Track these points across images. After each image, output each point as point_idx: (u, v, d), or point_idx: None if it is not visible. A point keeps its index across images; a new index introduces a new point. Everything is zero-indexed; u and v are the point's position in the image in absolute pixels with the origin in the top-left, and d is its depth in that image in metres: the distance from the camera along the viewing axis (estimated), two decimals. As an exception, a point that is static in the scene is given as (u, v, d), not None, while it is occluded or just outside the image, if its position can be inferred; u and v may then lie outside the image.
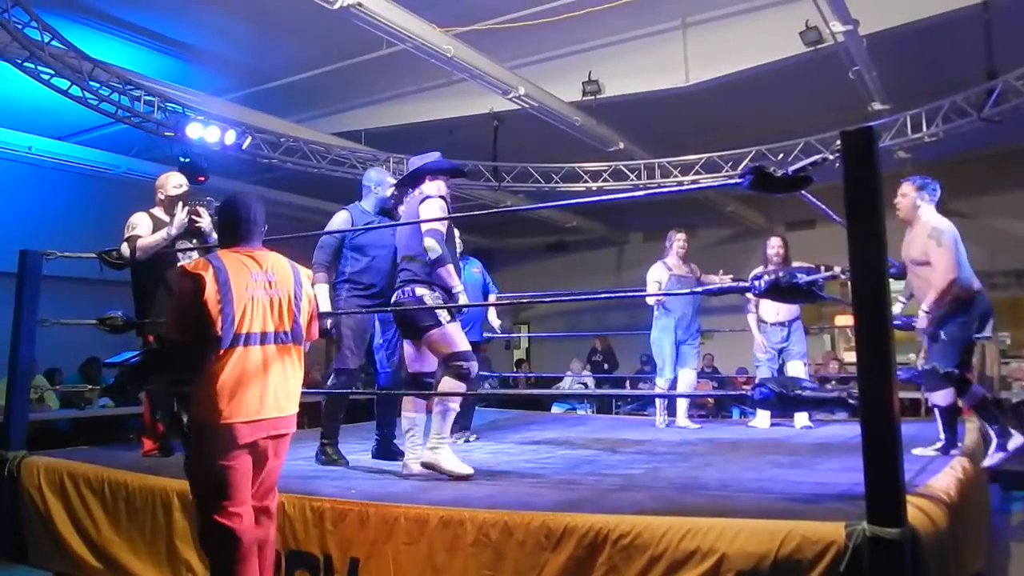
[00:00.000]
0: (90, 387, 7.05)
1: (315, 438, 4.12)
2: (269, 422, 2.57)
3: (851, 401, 2.40)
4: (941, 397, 4.01)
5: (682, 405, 5.89)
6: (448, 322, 3.54)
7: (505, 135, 9.06)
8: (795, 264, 5.37)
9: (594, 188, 9.87)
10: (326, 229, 4.22)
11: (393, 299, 3.72)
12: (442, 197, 3.67)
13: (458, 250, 5.15)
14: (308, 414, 6.60)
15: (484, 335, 5.88)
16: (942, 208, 4.12)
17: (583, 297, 11.39)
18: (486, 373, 8.60)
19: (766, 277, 2.71)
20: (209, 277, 2.49)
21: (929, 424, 4.51)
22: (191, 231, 4.32)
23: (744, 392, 3.23)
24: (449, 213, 3.73)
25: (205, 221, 4.31)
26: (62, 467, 3.83)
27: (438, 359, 3.61)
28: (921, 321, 3.91)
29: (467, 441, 5.02)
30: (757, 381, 2.77)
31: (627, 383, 11.17)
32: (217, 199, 3.47)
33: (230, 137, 8.17)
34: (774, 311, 5.64)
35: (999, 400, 6.50)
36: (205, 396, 2.49)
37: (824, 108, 8.67)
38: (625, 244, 14.47)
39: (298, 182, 10.13)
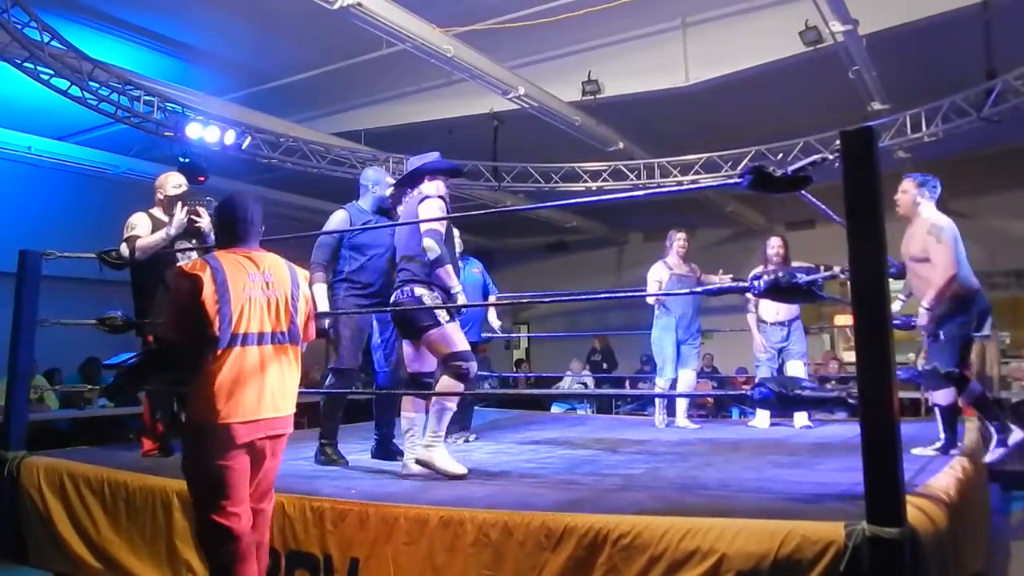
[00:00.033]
0: (90, 387, 7.05)
1: (315, 438, 4.12)
2: (267, 422, 2.57)
3: (851, 401, 2.40)
4: (942, 396, 4.01)
5: (681, 405, 5.89)
6: (447, 322, 3.55)
7: (505, 135, 9.06)
8: (795, 264, 5.37)
9: (594, 188, 9.86)
10: (324, 228, 4.22)
11: (392, 299, 3.72)
12: (441, 197, 3.67)
13: (458, 250, 5.17)
14: (308, 414, 6.61)
15: (483, 335, 5.88)
16: (942, 207, 4.13)
17: (583, 297, 11.39)
18: (486, 373, 8.60)
19: (766, 277, 2.72)
20: (207, 278, 2.49)
21: (929, 424, 4.51)
22: (190, 231, 4.32)
23: (744, 392, 3.23)
24: (448, 213, 3.73)
25: (204, 221, 4.31)
26: (62, 467, 3.83)
27: (437, 359, 3.61)
28: (922, 318, 3.91)
29: (467, 441, 5.02)
30: (757, 381, 2.77)
31: (627, 383, 11.17)
32: (216, 199, 3.47)
33: (230, 137, 8.17)
34: (774, 311, 5.64)
35: (999, 400, 6.50)
36: (203, 396, 2.49)
37: (824, 108, 8.67)
38: (625, 244, 14.47)
39: (298, 182, 10.13)
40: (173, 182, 4.43)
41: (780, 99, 8.69)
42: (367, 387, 4.59)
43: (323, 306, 3.96)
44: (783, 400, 2.61)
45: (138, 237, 4.20)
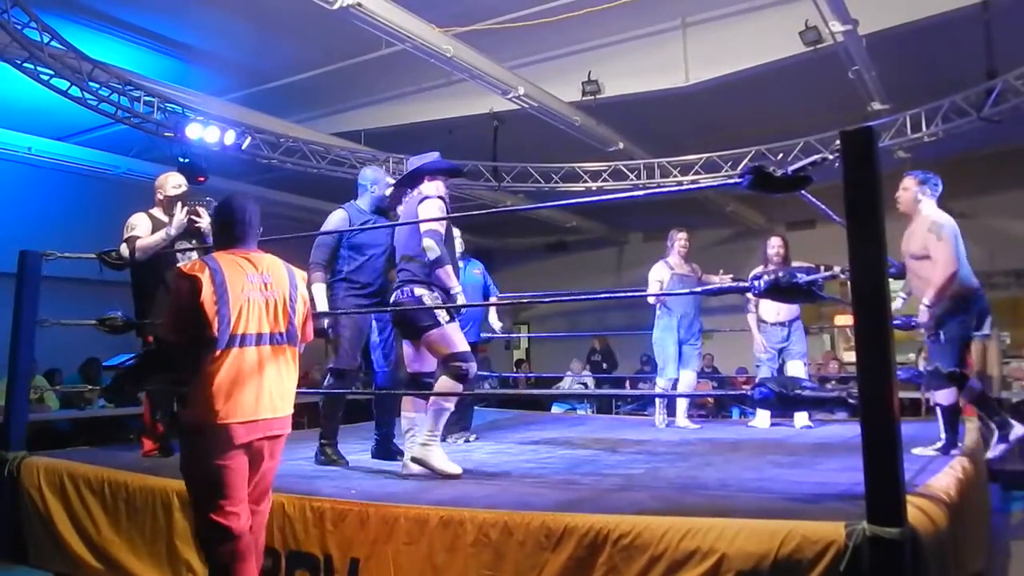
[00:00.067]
0: (90, 387, 7.04)
1: (315, 438, 4.12)
2: (265, 423, 2.57)
3: (851, 401, 2.40)
4: (944, 396, 4.02)
5: (682, 405, 5.89)
6: (447, 323, 3.55)
7: (505, 135, 9.06)
8: (795, 264, 5.37)
9: (594, 188, 9.87)
10: (323, 228, 4.21)
11: (392, 299, 3.72)
12: (441, 197, 3.67)
13: (460, 251, 5.17)
14: (308, 414, 6.60)
15: (483, 335, 5.88)
16: (942, 207, 4.13)
17: (583, 297, 11.38)
18: (486, 373, 8.60)
19: (766, 277, 2.71)
20: (205, 279, 2.50)
21: (929, 424, 4.51)
22: (191, 231, 4.32)
23: (744, 392, 3.23)
24: (448, 213, 3.73)
25: (204, 221, 4.30)
26: (62, 467, 3.83)
27: (437, 359, 3.61)
28: (922, 315, 3.90)
29: (467, 441, 5.02)
30: (757, 381, 2.77)
31: (627, 383, 11.17)
32: (216, 199, 3.47)
33: (230, 137, 8.17)
34: (774, 311, 5.64)
35: (999, 399, 6.50)
36: (201, 397, 2.49)
37: (824, 108, 8.67)
38: (625, 244, 14.48)
39: (298, 182, 10.13)
40: (173, 182, 4.43)
41: (780, 99, 8.69)
42: (367, 387, 4.59)
43: (322, 306, 3.96)
44: (783, 400, 2.61)
45: (138, 238, 4.20)
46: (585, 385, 10.72)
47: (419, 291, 3.59)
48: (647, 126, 9.60)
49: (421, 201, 3.66)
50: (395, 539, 2.75)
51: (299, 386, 2.78)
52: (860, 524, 2.10)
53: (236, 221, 2.70)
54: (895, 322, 3.21)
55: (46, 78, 6.66)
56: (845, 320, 10.25)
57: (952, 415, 4.00)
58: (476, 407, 6.21)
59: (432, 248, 3.53)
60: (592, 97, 8.24)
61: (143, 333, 4.33)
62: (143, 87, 7.46)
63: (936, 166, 4.19)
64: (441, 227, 3.63)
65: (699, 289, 4.89)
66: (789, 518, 2.28)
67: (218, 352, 2.49)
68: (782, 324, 5.66)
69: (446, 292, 3.60)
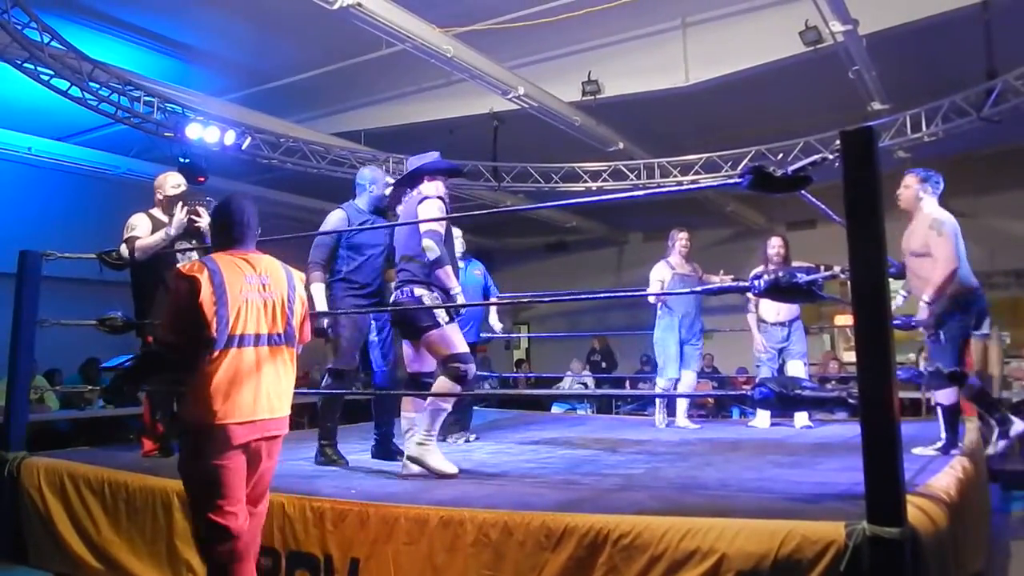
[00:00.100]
0: (90, 388, 7.06)
1: (315, 438, 4.11)
2: (263, 423, 2.58)
3: (851, 401, 2.40)
4: (945, 396, 4.02)
5: (682, 405, 5.89)
6: (447, 323, 3.55)
7: (505, 135, 9.06)
8: (795, 264, 5.37)
9: (594, 188, 9.87)
10: (322, 228, 4.21)
11: (392, 299, 3.72)
12: (440, 198, 3.68)
13: (461, 251, 5.17)
14: (308, 414, 6.60)
15: (482, 335, 5.88)
16: (942, 206, 4.12)
17: (583, 297, 11.39)
18: (486, 373, 8.60)
19: (766, 277, 2.71)
20: (204, 279, 2.50)
21: (929, 424, 4.51)
22: (191, 231, 4.32)
23: (744, 392, 3.24)
24: (447, 213, 3.73)
25: (204, 221, 4.30)
26: (62, 468, 3.83)
27: (436, 360, 3.61)
28: (921, 312, 3.90)
29: (467, 441, 5.01)
30: (757, 381, 2.77)
31: (627, 383, 11.17)
32: (216, 199, 3.47)
33: (230, 137, 8.17)
34: (774, 311, 5.64)
35: (999, 399, 6.50)
36: (200, 397, 2.50)
37: (824, 108, 8.67)
38: (625, 244, 14.48)
39: (298, 182, 10.13)
40: (172, 182, 4.43)
41: (780, 99, 8.69)
42: (367, 387, 4.59)
43: (321, 306, 3.96)
44: (783, 400, 2.61)
45: (138, 238, 4.20)
46: (585, 385, 10.71)
47: (419, 291, 3.59)
48: (647, 126, 9.60)
49: (421, 201, 3.66)
50: (395, 539, 2.75)
51: (299, 386, 2.78)
52: (860, 524, 2.10)
53: (234, 222, 2.71)
54: (895, 322, 3.21)
55: (46, 78, 6.66)
56: (845, 320, 10.25)
57: (953, 415, 4.00)
58: (476, 407, 6.21)
59: (432, 248, 3.53)
60: (592, 97, 8.23)
61: (143, 333, 4.33)
62: (143, 87, 7.46)
63: (936, 166, 4.18)
64: (441, 227, 3.64)
65: (699, 289, 4.89)
66: (789, 518, 2.28)
67: (216, 353, 2.49)
68: (782, 324, 5.66)
69: (446, 292, 3.60)
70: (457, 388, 3.52)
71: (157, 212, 4.36)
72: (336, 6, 5.85)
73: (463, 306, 3.85)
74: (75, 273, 5.38)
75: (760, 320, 5.73)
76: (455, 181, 4.31)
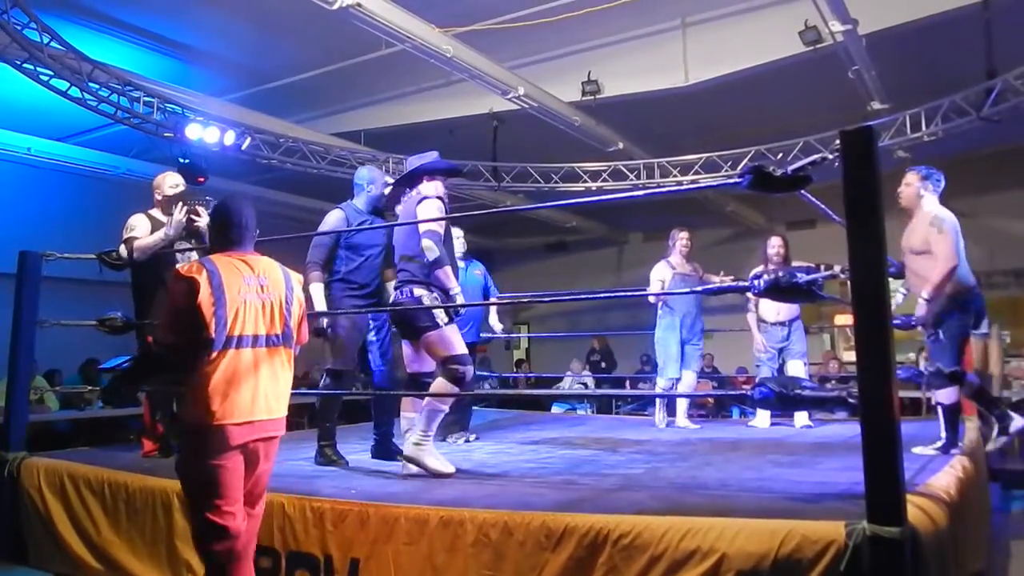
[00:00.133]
0: (89, 388, 7.05)
1: (315, 438, 4.10)
2: (261, 424, 2.58)
3: (851, 400, 2.40)
4: (945, 395, 4.03)
5: (682, 405, 5.89)
6: (446, 324, 3.55)
7: (505, 135, 9.06)
8: (795, 263, 5.37)
9: (594, 188, 9.87)
10: (321, 228, 4.20)
11: (391, 299, 3.72)
12: (439, 198, 3.68)
13: (462, 251, 5.17)
14: (309, 414, 6.59)
15: (482, 336, 5.88)
16: (942, 205, 4.12)
17: (583, 297, 11.40)
18: (486, 373, 8.60)
19: (766, 276, 2.71)
20: (203, 280, 2.51)
21: (929, 423, 4.51)
22: (191, 231, 4.32)
23: (744, 392, 3.24)
24: (446, 213, 3.73)
25: (204, 221, 4.30)
26: (62, 468, 3.83)
27: (434, 361, 3.61)
28: (920, 309, 3.90)
29: (467, 441, 5.01)
30: (757, 381, 2.77)
31: (627, 383, 11.17)
32: (216, 199, 3.47)
33: (229, 138, 8.17)
34: (774, 311, 5.64)
35: (999, 398, 6.51)
36: (198, 398, 2.50)
37: (823, 108, 8.67)
38: (625, 244, 14.48)
39: (297, 183, 10.13)
40: (170, 182, 4.42)
41: (780, 99, 8.69)
42: (366, 388, 4.58)
43: (320, 306, 3.96)
44: (783, 400, 2.61)
45: (136, 238, 4.19)
46: (585, 385, 10.71)
47: (418, 291, 3.59)
48: (647, 126, 9.60)
49: (420, 201, 3.66)
50: (395, 539, 2.75)
51: (299, 386, 2.78)
52: (860, 524, 2.10)
53: (232, 224, 2.71)
54: (895, 321, 3.22)
55: (46, 79, 6.67)
56: (845, 320, 10.25)
57: (953, 414, 4.00)
58: (476, 407, 6.21)
59: (431, 249, 3.53)
60: (592, 97, 8.24)
61: (143, 334, 4.33)
62: (143, 87, 7.46)
63: (936, 166, 4.18)
64: (440, 227, 3.63)
65: (699, 289, 4.89)
66: (789, 518, 2.28)
67: (214, 353, 2.49)
68: (782, 324, 5.66)
69: (445, 293, 3.60)
70: (455, 390, 3.53)
71: (156, 212, 4.35)
72: (336, 6, 5.86)
73: (463, 306, 3.85)
74: (75, 273, 5.38)
75: (760, 320, 5.72)
76: (455, 181, 4.31)
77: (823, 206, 3.18)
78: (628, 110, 8.66)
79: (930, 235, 3.86)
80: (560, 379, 11.05)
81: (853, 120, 3.74)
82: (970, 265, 3.99)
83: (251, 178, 10.21)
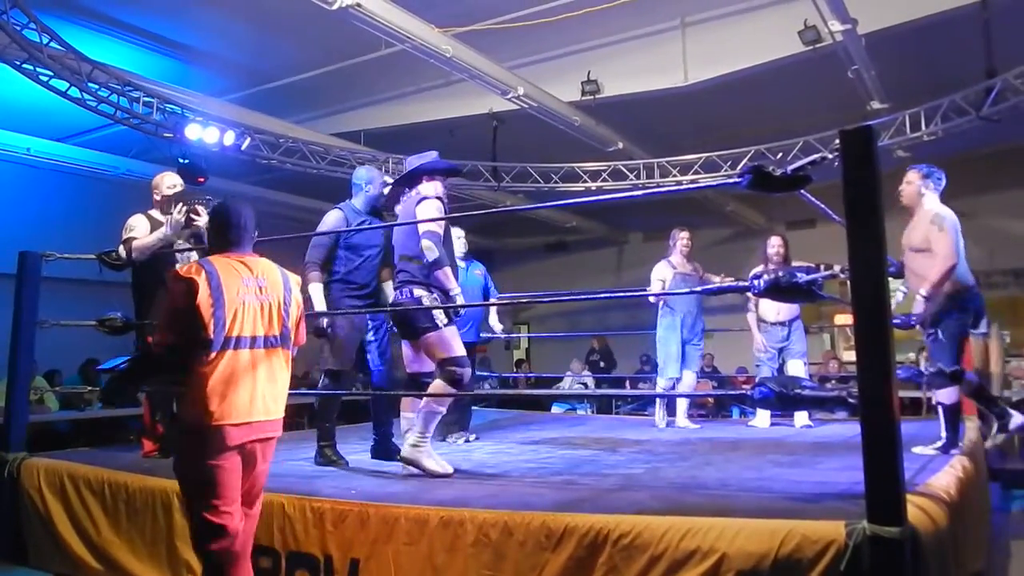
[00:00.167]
0: (89, 388, 7.06)
1: (314, 438, 4.10)
2: (259, 425, 2.58)
3: (851, 400, 2.40)
4: (946, 395, 4.03)
5: (682, 405, 5.89)
6: (445, 325, 3.55)
7: (504, 135, 9.06)
8: (795, 263, 5.37)
9: (593, 188, 9.87)
10: (320, 228, 4.19)
11: (391, 300, 3.72)
12: (439, 198, 3.67)
13: (463, 251, 5.17)
14: (309, 414, 6.59)
15: (482, 336, 5.88)
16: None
17: (583, 297, 11.39)
18: (486, 373, 8.60)
19: (766, 276, 2.71)
20: (202, 281, 2.51)
21: (929, 423, 4.51)
22: (192, 231, 4.32)
23: (744, 392, 3.24)
24: (446, 214, 3.73)
25: (203, 220, 4.29)
26: (62, 468, 3.83)
27: (433, 362, 3.61)
28: (917, 306, 3.90)
29: (467, 441, 5.01)
30: (757, 380, 2.77)
31: (627, 383, 11.17)
32: (216, 199, 3.47)
33: (229, 138, 8.17)
34: (774, 310, 5.64)
35: (999, 398, 6.51)
36: (196, 398, 2.50)
37: (823, 107, 8.67)
38: (625, 244, 14.48)
39: (297, 183, 10.13)
40: (168, 182, 4.42)
41: (779, 99, 8.69)
42: (366, 388, 4.58)
43: (319, 306, 3.95)
44: (783, 400, 2.61)
45: (135, 239, 4.19)
46: (585, 385, 10.71)
47: (418, 292, 3.59)
48: (646, 126, 9.60)
49: (419, 202, 3.66)
50: (395, 539, 2.75)
51: (298, 386, 2.78)
52: (860, 523, 2.10)
53: (231, 225, 2.72)
54: (894, 321, 3.22)
55: (45, 79, 6.66)
56: (845, 320, 10.25)
57: (953, 414, 4.00)
58: (476, 407, 6.21)
59: (431, 249, 3.53)
60: (591, 97, 8.24)
61: (143, 334, 4.33)
62: (142, 88, 7.46)
63: (936, 165, 4.18)
64: (439, 228, 3.63)
65: (699, 289, 4.89)
66: (789, 517, 2.28)
67: (213, 354, 2.50)
68: (782, 323, 5.66)
69: (445, 293, 3.60)
70: (453, 391, 3.53)
71: (155, 213, 4.35)
72: (335, 6, 5.85)
73: (462, 307, 3.85)
74: (75, 274, 5.38)
75: (760, 320, 5.73)
76: (455, 181, 4.31)
77: (823, 206, 3.18)
78: (628, 110, 8.66)
79: (930, 233, 3.86)
80: (560, 379, 11.05)
81: (853, 120, 3.74)
82: (969, 265, 3.99)
83: (251, 178, 10.20)
